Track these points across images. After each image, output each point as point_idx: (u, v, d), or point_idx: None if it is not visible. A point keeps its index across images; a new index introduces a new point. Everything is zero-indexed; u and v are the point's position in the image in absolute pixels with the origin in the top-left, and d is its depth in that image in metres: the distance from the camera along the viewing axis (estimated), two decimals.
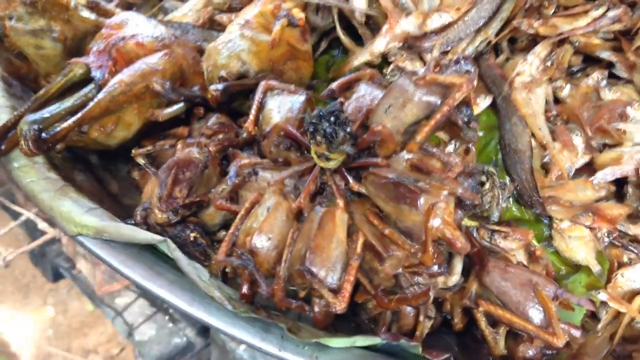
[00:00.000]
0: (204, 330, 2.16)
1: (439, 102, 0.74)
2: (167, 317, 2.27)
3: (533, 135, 1.00)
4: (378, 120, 0.75)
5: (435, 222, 0.66)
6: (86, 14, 1.03)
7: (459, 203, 0.71)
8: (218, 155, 0.90)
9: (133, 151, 0.94)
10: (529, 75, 1.03)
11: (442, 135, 0.91)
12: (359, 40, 1.23)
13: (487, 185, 0.79)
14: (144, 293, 2.26)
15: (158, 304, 2.29)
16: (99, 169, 1.04)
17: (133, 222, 0.87)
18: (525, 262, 0.88)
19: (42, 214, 0.85)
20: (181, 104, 1.00)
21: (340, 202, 0.71)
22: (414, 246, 0.69)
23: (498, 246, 0.85)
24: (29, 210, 1.76)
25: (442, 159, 0.76)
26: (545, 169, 1.00)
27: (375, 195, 0.71)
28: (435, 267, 0.70)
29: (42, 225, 1.79)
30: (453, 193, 0.68)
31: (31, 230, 2.13)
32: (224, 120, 1.00)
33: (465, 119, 0.75)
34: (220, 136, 0.97)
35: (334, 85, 0.84)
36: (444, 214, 0.67)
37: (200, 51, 1.26)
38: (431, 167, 0.71)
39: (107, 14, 1.13)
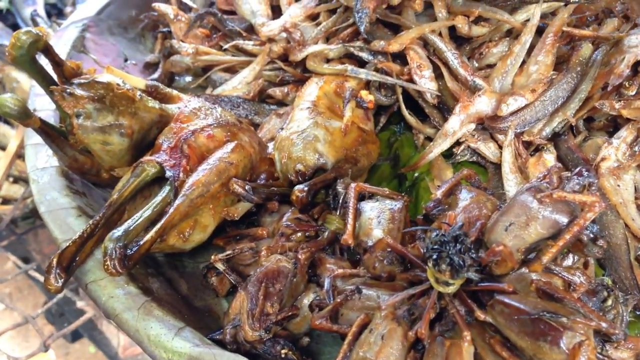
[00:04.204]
0: None
1: (565, 220, 0.69)
2: None
3: (626, 226, 0.95)
4: (497, 239, 0.70)
5: None
6: (151, 103, 0.98)
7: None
8: (307, 263, 0.84)
9: (212, 257, 0.88)
10: (615, 160, 0.99)
11: None
12: (419, 116, 1.19)
13: (609, 302, 0.74)
14: None
15: None
16: (166, 267, 0.98)
17: (219, 337, 0.81)
18: None
19: (124, 332, 0.78)
20: None
21: (468, 335, 0.66)
22: None
23: (611, 358, 0.80)
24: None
25: (565, 278, 0.71)
26: None
27: (505, 327, 0.66)
28: None
29: (80, 303, 1.72)
30: (598, 329, 0.62)
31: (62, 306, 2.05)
32: (300, 215, 0.95)
33: (592, 236, 0.70)
34: (299, 234, 0.92)
35: (439, 194, 0.79)
36: (588, 351, 0.62)
37: (253, 125, 1.22)
38: (562, 293, 0.66)
39: (167, 98, 1.08)
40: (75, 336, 2.46)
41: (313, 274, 0.88)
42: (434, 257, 0.66)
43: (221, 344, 0.81)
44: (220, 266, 0.88)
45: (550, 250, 0.68)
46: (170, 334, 0.76)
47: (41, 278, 1.66)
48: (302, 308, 0.84)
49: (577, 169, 0.71)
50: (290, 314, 0.81)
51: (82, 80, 0.91)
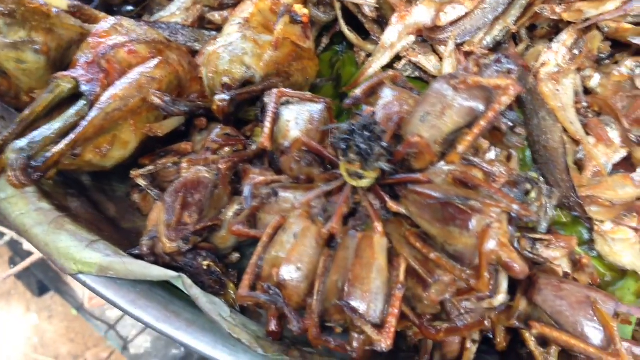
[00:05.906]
0: None
1: (482, 107, 0.66)
2: None
3: (564, 130, 0.92)
4: (413, 131, 0.67)
5: (490, 245, 0.59)
6: (69, 21, 0.93)
7: (509, 219, 0.63)
8: (229, 173, 0.81)
9: (132, 172, 0.85)
10: (555, 65, 0.96)
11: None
12: (362, 34, 1.15)
13: (532, 194, 0.71)
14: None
15: None
16: (93, 190, 0.94)
17: (138, 252, 0.78)
18: (569, 271, 0.81)
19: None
20: (181, 116, 0.91)
21: (379, 226, 0.63)
22: (465, 271, 0.61)
23: (541, 256, 0.78)
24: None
25: (484, 169, 0.68)
26: (579, 165, 0.92)
27: (418, 216, 0.63)
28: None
29: (27, 245, 1.69)
30: (508, 211, 0.60)
31: (16, 248, 2.02)
32: (229, 131, 0.91)
33: (510, 124, 0.67)
34: (227, 149, 0.88)
35: (358, 91, 0.76)
36: (499, 234, 0.59)
37: (192, 52, 1.17)
38: (477, 181, 0.64)
39: (92, 19, 1.03)
40: (42, 290, 2.44)
41: (240, 187, 0.85)
42: (343, 146, 0.63)
43: (141, 259, 0.78)
44: (141, 182, 0.85)
45: (467, 138, 0.65)
46: (81, 246, 0.73)
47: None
48: (227, 221, 0.81)
49: (496, 56, 0.68)
50: (210, 224, 0.78)
51: None
